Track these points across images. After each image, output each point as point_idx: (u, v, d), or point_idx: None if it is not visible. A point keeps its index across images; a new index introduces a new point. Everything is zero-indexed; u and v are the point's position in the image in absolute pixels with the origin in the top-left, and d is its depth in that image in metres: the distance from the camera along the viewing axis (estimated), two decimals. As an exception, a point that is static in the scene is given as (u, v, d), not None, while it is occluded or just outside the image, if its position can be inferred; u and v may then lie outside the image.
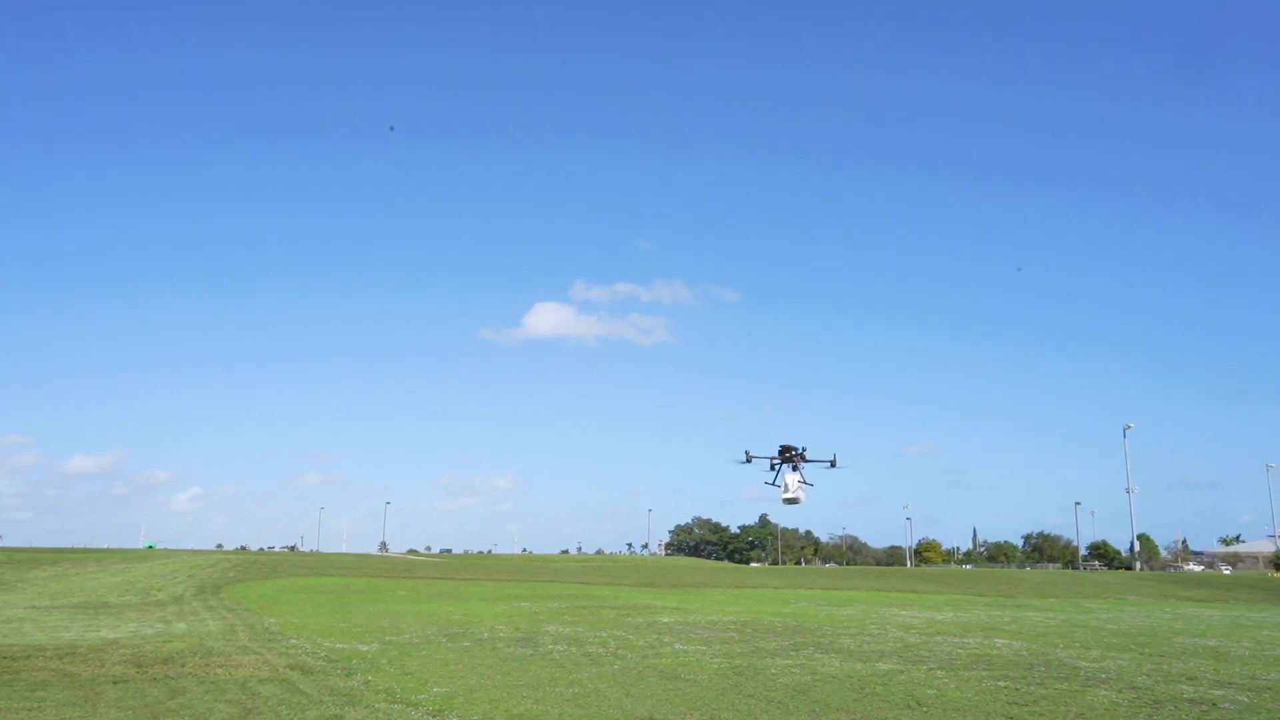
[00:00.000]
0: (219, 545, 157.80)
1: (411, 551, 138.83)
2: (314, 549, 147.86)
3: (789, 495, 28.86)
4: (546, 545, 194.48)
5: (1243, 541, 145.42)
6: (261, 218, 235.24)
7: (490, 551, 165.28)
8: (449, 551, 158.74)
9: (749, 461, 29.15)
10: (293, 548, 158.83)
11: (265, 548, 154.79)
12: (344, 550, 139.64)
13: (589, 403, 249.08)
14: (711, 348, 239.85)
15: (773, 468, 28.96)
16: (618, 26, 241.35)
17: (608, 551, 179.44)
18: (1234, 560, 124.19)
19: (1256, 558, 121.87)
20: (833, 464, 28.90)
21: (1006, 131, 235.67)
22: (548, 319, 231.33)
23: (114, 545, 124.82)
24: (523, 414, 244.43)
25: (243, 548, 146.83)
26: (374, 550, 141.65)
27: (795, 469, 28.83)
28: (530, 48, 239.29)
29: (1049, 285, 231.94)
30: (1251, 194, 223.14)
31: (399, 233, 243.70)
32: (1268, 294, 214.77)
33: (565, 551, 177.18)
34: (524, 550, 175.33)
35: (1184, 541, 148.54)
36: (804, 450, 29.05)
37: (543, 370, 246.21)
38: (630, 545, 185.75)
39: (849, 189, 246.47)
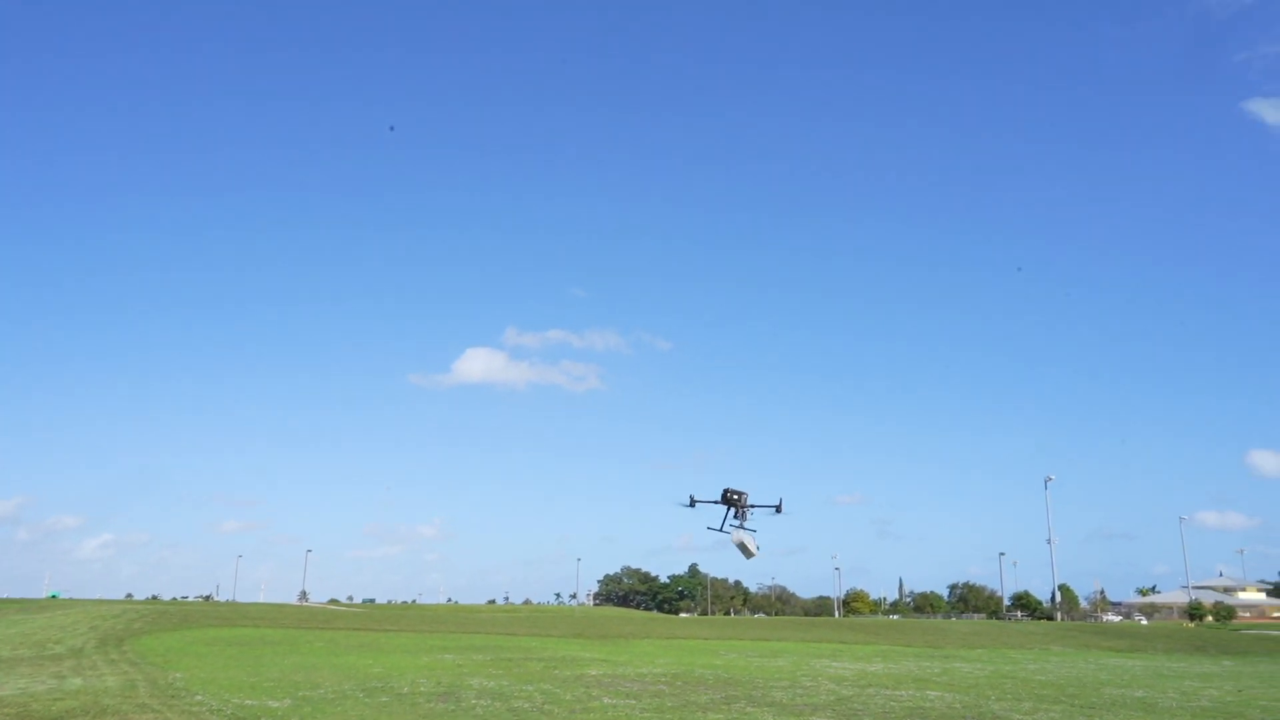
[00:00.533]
0: (129, 595, 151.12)
1: (333, 601, 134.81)
2: (230, 599, 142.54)
3: (749, 552, 28.25)
4: (473, 595, 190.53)
5: (1158, 592, 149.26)
6: (181, 260, 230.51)
7: (415, 601, 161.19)
8: (372, 601, 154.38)
9: (693, 505, 28.68)
10: (208, 597, 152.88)
11: (179, 597, 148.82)
12: (262, 600, 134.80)
13: (519, 450, 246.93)
14: (643, 396, 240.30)
15: (737, 514, 28.29)
16: (552, 72, 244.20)
17: (535, 601, 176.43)
18: (1150, 610, 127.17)
19: (1171, 608, 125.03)
20: (778, 509, 28.44)
21: (933, 169, 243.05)
22: (478, 364, 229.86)
23: (14, 595, 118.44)
24: (451, 460, 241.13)
25: (154, 597, 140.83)
26: (293, 600, 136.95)
27: (740, 515, 28.28)
28: (460, 93, 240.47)
29: (975, 336, 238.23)
30: (1173, 241, 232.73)
31: (327, 275, 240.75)
32: (1178, 348, 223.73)
33: (492, 601, 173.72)
34: (449, 600, 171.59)
35: (1102, 592, 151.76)
36: (744, 496, 28.62)
37: (472, 416, 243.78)
38: (559, 595, 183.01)
39: (780, 239, 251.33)
